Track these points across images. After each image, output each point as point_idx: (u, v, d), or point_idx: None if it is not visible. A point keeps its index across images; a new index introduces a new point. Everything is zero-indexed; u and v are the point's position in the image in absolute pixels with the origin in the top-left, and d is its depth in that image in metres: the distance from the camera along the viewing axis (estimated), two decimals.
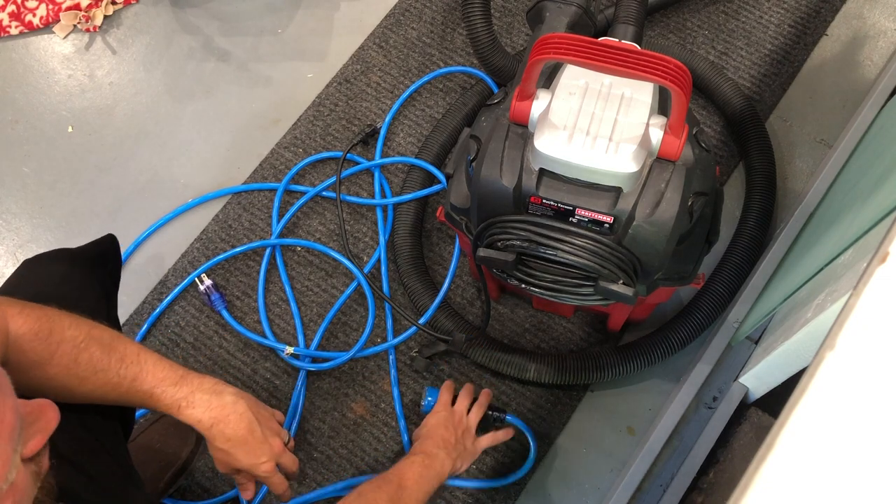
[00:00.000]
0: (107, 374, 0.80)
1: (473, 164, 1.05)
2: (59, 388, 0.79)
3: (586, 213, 0.97)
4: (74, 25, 1.70)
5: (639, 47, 0.97)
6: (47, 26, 1.71)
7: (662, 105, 0.98)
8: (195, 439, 1.30)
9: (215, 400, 0.86)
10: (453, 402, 1.22)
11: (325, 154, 1.53)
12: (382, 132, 1.53)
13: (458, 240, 1.42)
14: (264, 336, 1.40)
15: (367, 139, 1.53)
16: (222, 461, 0.91)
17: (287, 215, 1.48)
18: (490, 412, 1.28)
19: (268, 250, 1.46)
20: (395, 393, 1.35)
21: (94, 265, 0.97)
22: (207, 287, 1.42)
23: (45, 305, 0.80)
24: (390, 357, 1.37)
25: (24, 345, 0.76)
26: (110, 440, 0.88)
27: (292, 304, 1.42)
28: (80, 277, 0.94)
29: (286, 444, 0.94)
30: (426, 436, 1.13)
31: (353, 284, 1.42)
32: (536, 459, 1.30)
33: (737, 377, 1.23)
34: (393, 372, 1.36)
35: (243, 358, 1.40)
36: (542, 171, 0.96)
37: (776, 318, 1.20)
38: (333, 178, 1.49)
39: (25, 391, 0.75)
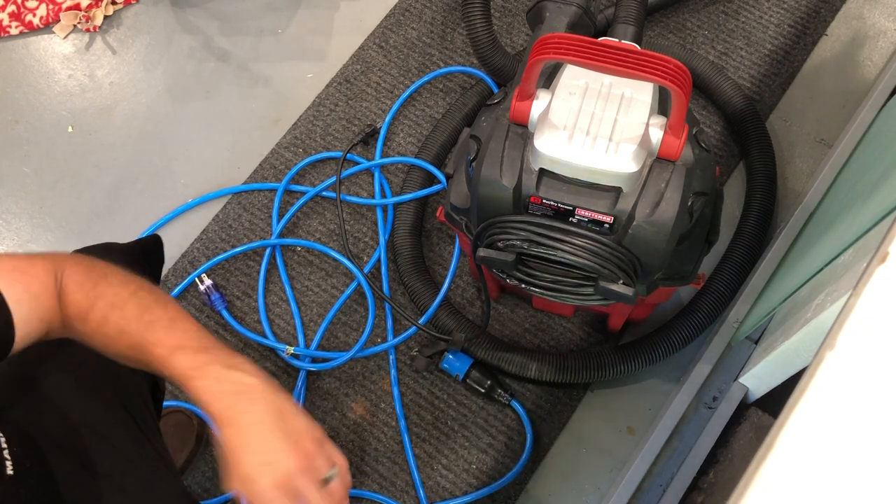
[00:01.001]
0: (131, 336, 0.72)
1: (473, 164, 1.05)
2: (98, 346, 0.74)
3: (586, 213, 0.97)
4: (74, 25, 1.70)
5: (639, 47, 0.97)
6: (47, 26, 1.71)
7: (662, 105, 0.98)
8: (195, 440, 1.30)
9: (231, 374, 0.70)
10: None
11: (325, 154, 1.53)
12: (382, 132, 1.53)
13: (458, 240, 1.42)
14: (264, 336, 1.40)
15: (367, 139, 1.53)
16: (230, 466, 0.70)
17: (287, 215, 1.48)
18: (497, 394, 1.29)
19: (268, 250, 1.46)
20: (395, 393, 1.35)
21: (139, 262, 0.96)
22: (207, 287, 1.42)
23: (105, 261, 0.76)
24: (390, 357, 1.37)
25: (67, 296, 0.72)
26: (146, 422, 0.87)
27: (292, 304, 1.42)
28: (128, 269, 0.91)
29: (327, 479, 0.69)
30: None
31: (353, 284, 1.42)
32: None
33: (737, 377, 1.23)
34: (393, 372, 1.36)
35: None
36: (542, 171, 0.96)
37: (776, 317, 1.20)
38: (333, 178, 1.49)
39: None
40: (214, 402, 0.68)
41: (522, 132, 0.98)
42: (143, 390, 0.91)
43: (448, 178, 1.31)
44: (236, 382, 0.69)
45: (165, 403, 1.35)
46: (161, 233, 1.51)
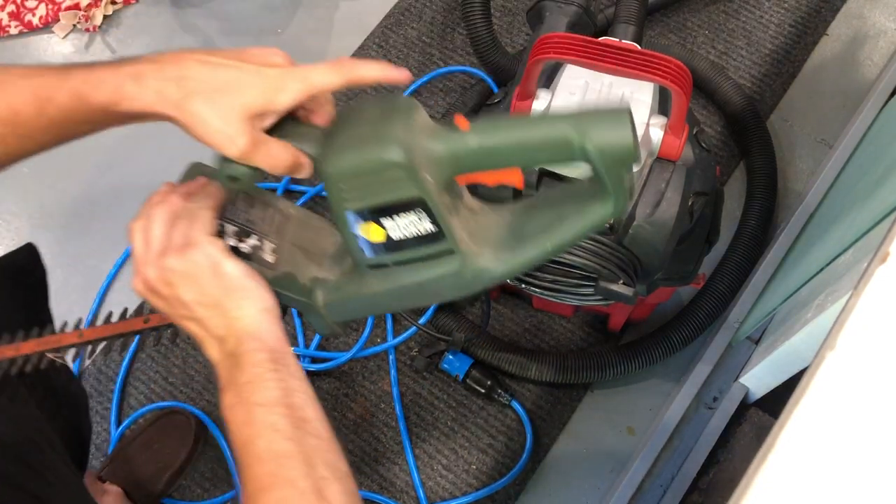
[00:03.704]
0: (30, 104, 0.60)
1: None
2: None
3: None
4: (74, 25, 1.70)
5: (639, 47, 0.97)
6: (47, 26, 1.71)
7: (663, 105, 0.98)
8: (193, 440, 1.29)
9: (167, 64, 0.56)
10: None
11: None
12: None
13: None
14: None
15: None
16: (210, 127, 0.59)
17: None
18: (497, 394, 1.30)
19: None
20: (395, 393, 1.35)
21: (12, 284, 0.83)
22: None
23: None
24: (390, 357, 1.37)
25: None
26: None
27: None
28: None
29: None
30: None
31: None
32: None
33: (737, 377, 1.23)
34: (393, 372, 1.36)
35: None
36: (542, 171, 0.96)
37: (776, 318, 1.20)
38: None
39: None
40: (165, 92, 0.56)
41: None
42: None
43: None
44: (174, 62, 0.57)
45: (165, 403, 1.35)
46: None
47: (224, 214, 0.67)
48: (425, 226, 0.63)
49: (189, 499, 1.31)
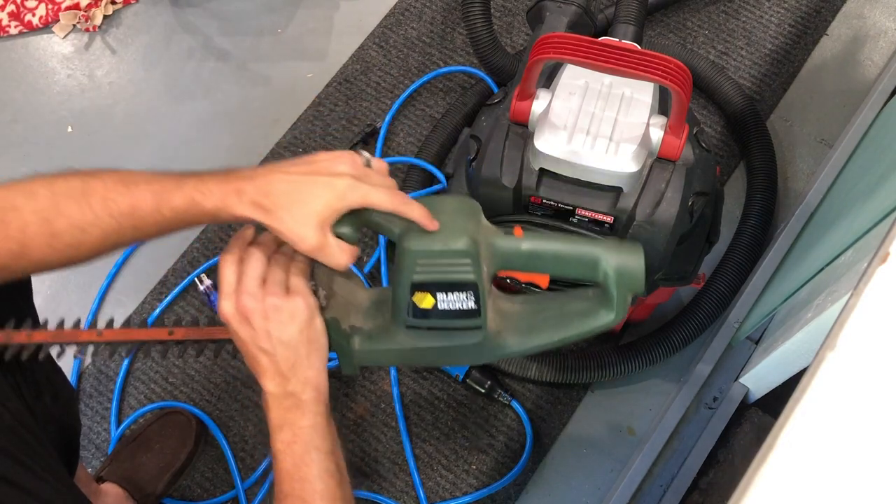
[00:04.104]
0: (99, 226, 0.67)
1: (473, 164, 1.05)
2: (66, 264, 0.69)
3: (586, 213, 0.97)
4: (74, 25, 1.70)
5: (639, 47, 0.97)
6: (47, 26, 1.71)
7: (663, 105, 0.98)
8: (194, 440, 1.29)
9: (259, 180, 0.69)
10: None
11: None
12: (382, 132, 1.53)
13: None
14: None
15: (367, 139, 1.53)
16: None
17: None
18: (497, 394, 1.29)
19: None
20: (395, 393, 1.35)
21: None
22: (207, 287, 1.42)
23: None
24: None
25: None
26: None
27: None
28: None
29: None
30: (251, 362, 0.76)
31: None
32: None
33: (737, 377, 1.23)
34: (393, 372, 1.36)
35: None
36: (543, 171, 0.96)
37: (776, 318, 1.20)
38: None
39: (38, 272, 0.70)
40: (249, 191, 0.69)
41: (522, 132, 0.98)
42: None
43: (448, 178, 1.31)
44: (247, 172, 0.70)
45: (165, 403, 1.35)
46: None
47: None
48: (469, 304, 0.77)
49: (189, 499, 1.31)
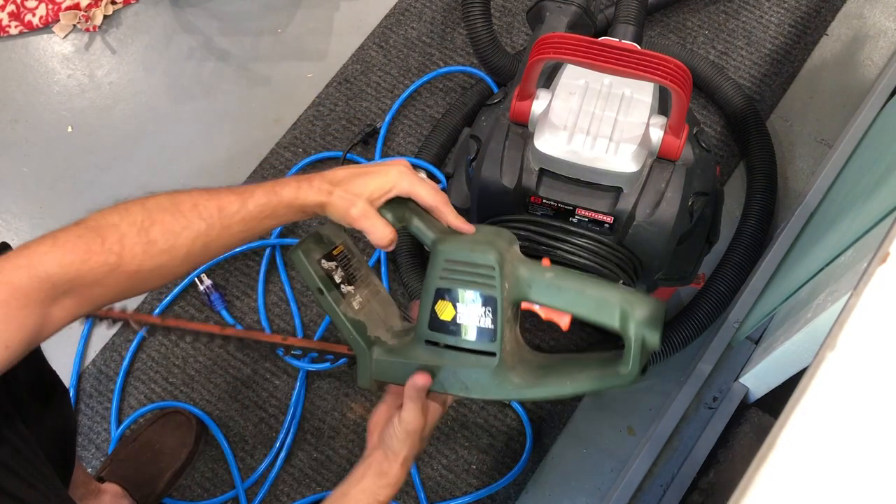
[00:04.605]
0: (191, 229, 0.73)
1: (473, 164, 1.05)
2: (158, 276, 0.73)
3: (586, 213, 0.97)
4: (74, 25, 1.70)
5: (639, 47, 0.97)
6: (47, 26, 1.71)
7: (663, 105, 0.98)
8: (194, 439, 1.30)
9: (325, 173, 0.80)
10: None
11: (325, 154, 1.53)
12: (382, 132, 1.53)
13: None
14: None
15: (367, 139, 1.53)
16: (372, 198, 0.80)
17: None
18: None
19: (267, 250, 1.46)
20: None
21: None
22: (207, 287, 1.42)
23: (81, 221, 0.71)
24: None
25: (83, 274, 0.67)
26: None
27: (292, 304, 1.42)
28: None
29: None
30: (403, 444, 0.86)
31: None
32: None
33: (737, 377, 1.23)
34: None
35: (243, 358, 1.40)
36: (543, 171, 0.96)
37: (776, 318, 1.20)
38: None
39: (127, 294, 0.73)
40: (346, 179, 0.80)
41: (522, 132, 0.98)
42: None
43: (448, 178, 1.31)
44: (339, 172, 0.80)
45: (165, 403, 1.35)
46: None
47: (345, 263, 0.87)
48: (486, 322, 0.80)
49: (189, 499, 1.31)
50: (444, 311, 0.81)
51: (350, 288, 0.86)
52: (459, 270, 0.80)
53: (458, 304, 0.80)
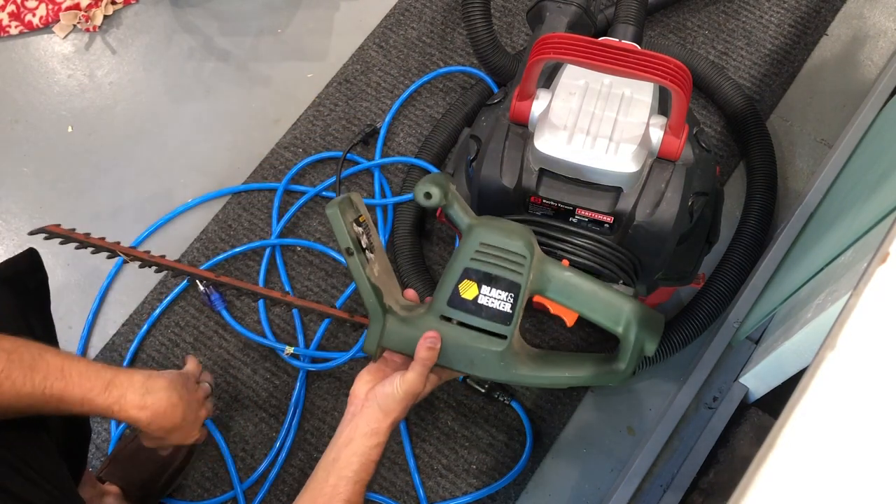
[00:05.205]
0: (32, 396, 0.80)
1: (473, 164, 1.05)
2: None
3: (586, 213, 0.97)
4: (74, 25, 1.70)
5: (639, 47, 0.97)
6: (47, 26, 1.71)
7: (663, 105, 0.98)
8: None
9: (148, 398, 0.88)
10: None
11: (325, 154, 1.53)
12: (382, 132, 1.53)
13: (458, 240, 1.42)
14: (264, 336, 1.40)
15: (367, 139, 1.53)
16: (156, 443, 0.95)
17: (287, 215, 1.48)
18: (497, 394, 1.30)
19: (267, 250, 1.46)
20: None
21: (13, 290, 0.92)
22: (207, 287, 1.42)
23: None
24: None
25: None
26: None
27: None
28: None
29: (209, 396, 1.02)
30: (399, 404, 0.90)
31: (353, 284, 1.42)
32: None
33: (737, 377, 1.23)
34: None
35: (243, 358, 1.40)
36: (543, 171, 0.97)
37: (776, 318, 1.20)
38: (333, 178, 1.49)
39: None
40: (144, 422, 0.89)
41: (522, 132, 0.98)
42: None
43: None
44: (154, 402, 0.89)
45: None
46: (161, 233, 1.51)
47: (367, 232, 0.91)
48: (505, 307, 0.87)
49: (189, 499, 1.31)
50: (468, 290, 0.87)
51: (371, 255, 0.91)
52: (493, 255, 0.85)
53: (482, 286, 0.86)
